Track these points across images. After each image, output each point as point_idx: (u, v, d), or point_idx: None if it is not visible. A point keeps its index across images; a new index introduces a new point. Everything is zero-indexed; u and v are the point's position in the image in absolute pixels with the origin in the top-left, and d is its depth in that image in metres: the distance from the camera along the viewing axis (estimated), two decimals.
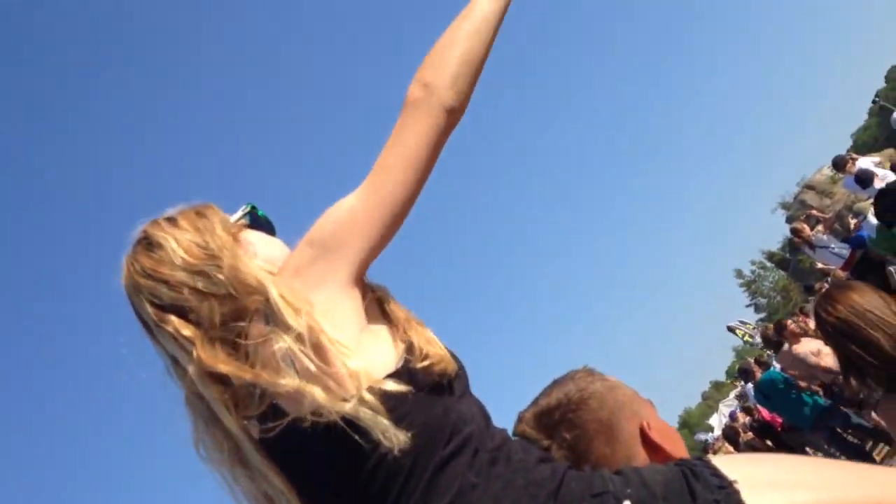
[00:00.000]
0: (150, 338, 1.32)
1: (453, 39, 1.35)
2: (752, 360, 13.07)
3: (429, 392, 1.20)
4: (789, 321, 9.52)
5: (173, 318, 1.26)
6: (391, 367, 1.20)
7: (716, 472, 1.14)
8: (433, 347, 1.26)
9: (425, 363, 1.22)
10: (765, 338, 11.08)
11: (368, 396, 1.14)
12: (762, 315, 55.53)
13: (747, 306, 60.56)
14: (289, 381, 1.16)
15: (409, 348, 1.24)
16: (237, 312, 1.24)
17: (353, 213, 1.27)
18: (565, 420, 1.46)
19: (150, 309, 1.28)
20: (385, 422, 1.13)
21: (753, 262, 62.52)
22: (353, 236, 1.25)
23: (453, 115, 1.33)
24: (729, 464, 1.17)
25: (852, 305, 2.48)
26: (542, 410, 1.50)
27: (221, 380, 1.21)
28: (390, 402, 1.15)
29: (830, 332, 2.53)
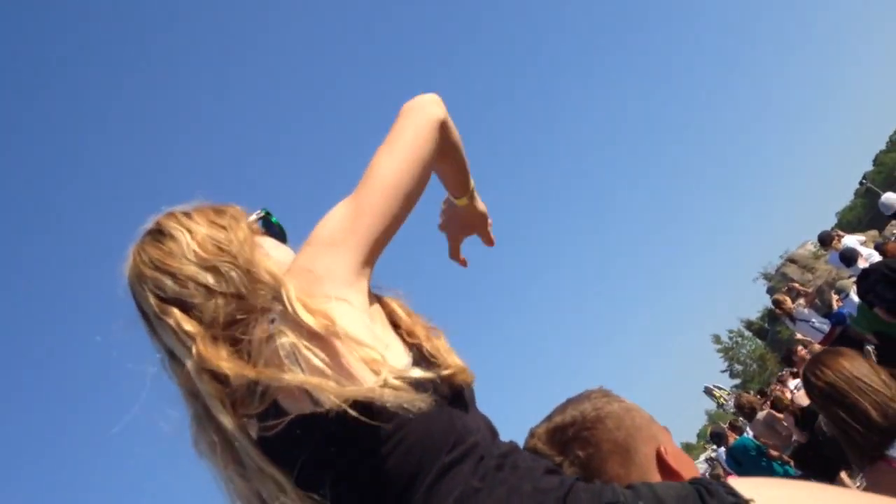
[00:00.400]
0: (148, 331, 1.30)
1: None
2: (726, 425, 13.12)
3: (440, 399, 1.17)
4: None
5: (175, 311, 1.24)
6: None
7: (731, 491, 1.12)
8: (450, 357, 1.25)
9: (443, 372, 1.21)
10: (738, 405, 11.10)
11: (394, 381, 1.11)
12: (737, 381, 55.60)
13: (723, 371, 60.51)
14: (293, 377, 1.12)
15: (422, 355, 1.23)
16: (243, 311, 1.22)
17: (349, 210, 1.27)
18: (580, 437, 1.44)
19: (152, 300, 1.26)
20: (406, 395, 1.10)
21: (731, 331, 62.66)
22: (351, 232, 1.24)
23: (443, 110, 1.37)
24: (746, 485, 1.15)
25: (841, 371, 2.51)
26: (556, 426, 1.48)
27: (219, 378, 1.18)
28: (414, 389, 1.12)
29: (818, 395, 2.56)
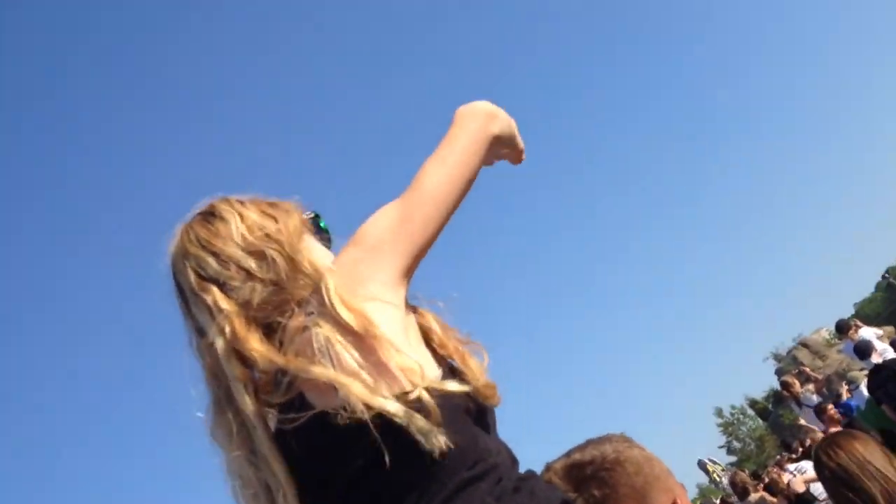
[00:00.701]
0: (181, 308, 1.32)
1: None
2: (717, 501, 13.01)
3: (467, 416, 1.18)
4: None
5: (214, 288, 1.25)
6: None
7: None
8: (480, 375, 1.25)
9: (474, 386, 1.21)
10: (733, 482, 11.01)
11: (426, 396, 1.11)
12: (733, 459, 54.83)
13: (720, 447, 59.67)
14: (322, 371, 1.12)
15: (452, 370, 1.24)
16: (280, 300, 1.24)
17: (396, 215, 1.26)
18: (597, 477, 1.45)
19: (192, 277, 1.28)
20: (428, 423, 1.09)
21: (734, 407, 61.90)
22: (397, 237, 1.24)
23: (494, 114, 1.39)
24: None
25: (854, 454, 2.49)
26: (574, 463, 1.49)
27: (247, 362, 1.20)
28: (444, 405, 1.12)
29: (828, 476, 2.55)
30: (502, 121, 1.42)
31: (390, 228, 1.25)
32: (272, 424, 1.20)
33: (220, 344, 1.21)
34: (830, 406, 9.62)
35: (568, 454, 1.53)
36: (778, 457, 16.21)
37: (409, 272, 1.26)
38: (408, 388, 1.11)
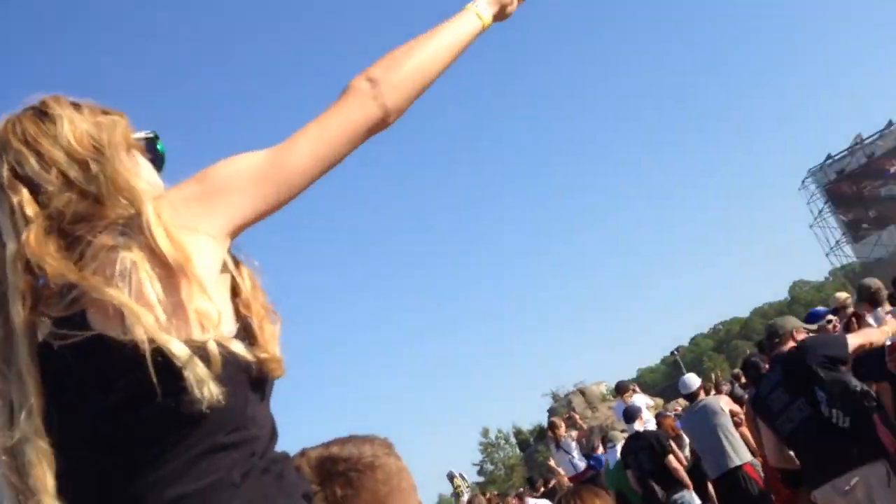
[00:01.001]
0: None
1: (411, 52, 1.39)
2: None
3: (245, 380, 1.15)
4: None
5: (25, 190, 1.18)
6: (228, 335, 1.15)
7: None
8: (272, 344, 1.20)
9: (260, 354, 1.17)
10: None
11: (213, 347, 1.08)
12: (481, 480, 56.85)
13: (475, 464, 61.82)
14: (115, 294, 1.07)
15: (247, 331, 1.19)
16: (93, 214, 1.17)
17: (254, 167, 1.23)
18: (346, 476, 1.45)
19: (5, 172, 1.19)
20: (206, 372, 1.06)
21: (500, 431, 64.29)
22: (245, 189, 1.21)
23: (386, 116, 1.34)
24: None
25: None
26: (329, 456, 1.48)
27: (34, 270, 1.13)
28: (228, 362, 1.09)
29: None
30: (400, 96, 1.36)
31: (246, 179, 1.21)
32: (42, 335, 1.12)
33: (11, 248, 1.15)
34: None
35: (327, 445, 1.52)
36: (521, 489, 16.83)
37: (240, 230, 1.22)
38: (197, 334, 1.08)
